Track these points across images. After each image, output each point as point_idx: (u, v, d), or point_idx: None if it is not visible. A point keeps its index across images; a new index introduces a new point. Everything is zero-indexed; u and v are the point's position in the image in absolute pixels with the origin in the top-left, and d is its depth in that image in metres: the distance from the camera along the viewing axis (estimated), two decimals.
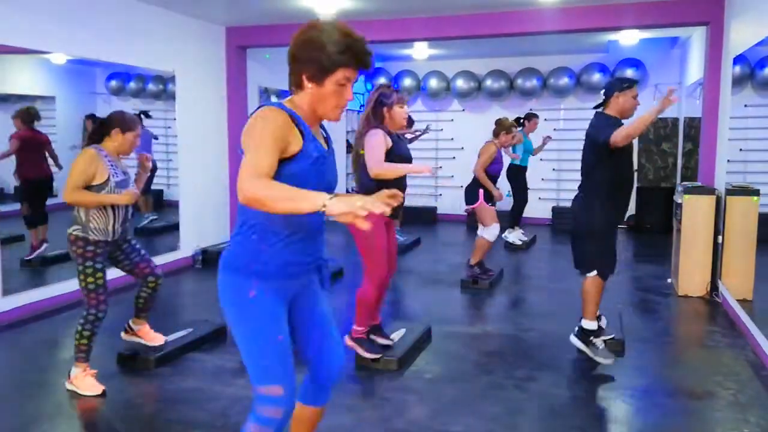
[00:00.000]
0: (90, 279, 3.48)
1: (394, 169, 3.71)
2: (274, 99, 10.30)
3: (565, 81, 9.40)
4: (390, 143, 3.77)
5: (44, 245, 6.41)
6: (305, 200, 1.57)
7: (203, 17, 7.00)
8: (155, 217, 8.15)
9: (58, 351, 4.39)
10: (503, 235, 7.57)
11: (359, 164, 3.82)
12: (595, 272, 3.87)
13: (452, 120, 10.41)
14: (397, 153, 3.80)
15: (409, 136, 7.42)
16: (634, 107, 3.86)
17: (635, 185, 9.12)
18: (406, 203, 10.01)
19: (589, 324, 3.89)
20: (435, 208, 10.38)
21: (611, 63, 9.30)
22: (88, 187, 3.44)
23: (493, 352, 4.25)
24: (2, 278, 4.97)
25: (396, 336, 4.25)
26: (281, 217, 1.85)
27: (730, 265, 5.24)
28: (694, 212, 5.49)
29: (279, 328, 1.95)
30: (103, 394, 3.53)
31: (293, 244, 1.94)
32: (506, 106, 10.06)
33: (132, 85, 8.42)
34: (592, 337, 3.88)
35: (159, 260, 6.55)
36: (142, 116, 8.04)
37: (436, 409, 3.39)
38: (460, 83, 9.95)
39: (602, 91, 3.92)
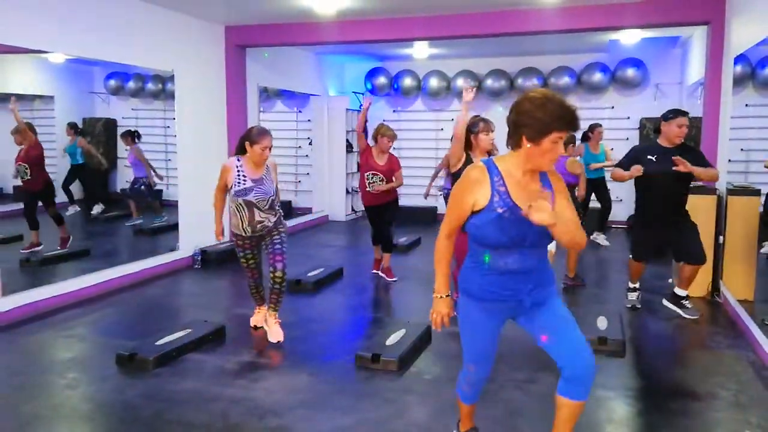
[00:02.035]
0: (242, 261, 4.53)
1: None
2: (280, 102, 10.30)
3: (565, 80, 9.38)
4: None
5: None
6: (435, 287, 2.52)
7: (202, 16, 6.98)
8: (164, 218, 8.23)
9: (57, 351, 4.38)
10: (592, 237, 8.12)
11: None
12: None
13: (453, 120, 10.38)
14: None
15: None
16: (678, 135, 4.55)
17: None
18: (407, 203, 10.02)
19: (683, 292, 4.90)
20: (435, 208, 10.36)
21: (612, 62, 9.28)
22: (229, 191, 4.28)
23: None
24: (1, 278, 4.96)
25: (396, 337, 4.24)
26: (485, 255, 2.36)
27: (731, 265, 5.22)
28: (695, 212, 5.44)
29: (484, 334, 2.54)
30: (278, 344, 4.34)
31: (492, 277, 2.38)
32: (507, 106, 9.96)
33: (131, 84, 8.42)
34: (682, 301, 4.90)
35: (158, 260, 6.56)
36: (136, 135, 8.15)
37: (436, 410, 3.37)
38: (461, 83, 9.93)
39: None
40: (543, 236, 2.27)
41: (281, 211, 4.52)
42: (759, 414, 3.31)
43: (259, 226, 4.29)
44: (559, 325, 2.44)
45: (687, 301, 4.90)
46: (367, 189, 5.99)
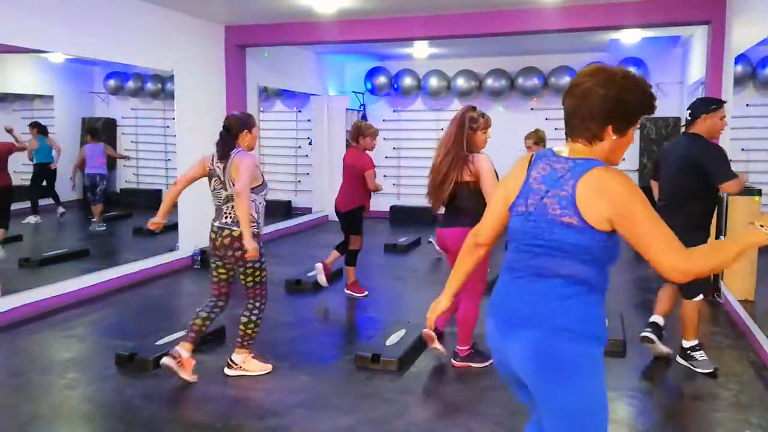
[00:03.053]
0: (264, 272, 3.75)
1: None
2: (280, 102, 10.28)
3: (566, 80, 9.36)
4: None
5: None
6: (742, 247, 1.63)
7: (202, 16, 6.97)
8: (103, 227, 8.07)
9: (56, 352, 4.38)
10: None
11: (464, 190, 3.74)
12: (701, 296, 3.85)
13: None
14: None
15: None
16: (721, 128, 3.86)
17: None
18: (407, 203, 10.01)
19: (691, 343, 3.93)
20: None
21: (612, 62, 9.25)
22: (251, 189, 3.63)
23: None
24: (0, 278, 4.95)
25: (396, 337, 4.24)
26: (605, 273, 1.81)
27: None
28: None
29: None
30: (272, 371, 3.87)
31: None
32: (507, 106, 10.04)
33: (130, 84, 8.42)
34: (690, 352, 3.93)
35: (158, 260, 6.56)
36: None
37: (436, 410, 3.37)
38: (461, 82, 9.93)
39: (688, 111, 3.87)
40: None
41: None
42: (759, 414, 3.31)
43: None
44: None
45: (698, 353, 3.92)
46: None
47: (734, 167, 5.56)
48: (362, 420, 3.25)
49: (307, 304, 5.51)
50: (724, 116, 3.84)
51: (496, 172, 3.79)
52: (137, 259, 6.39)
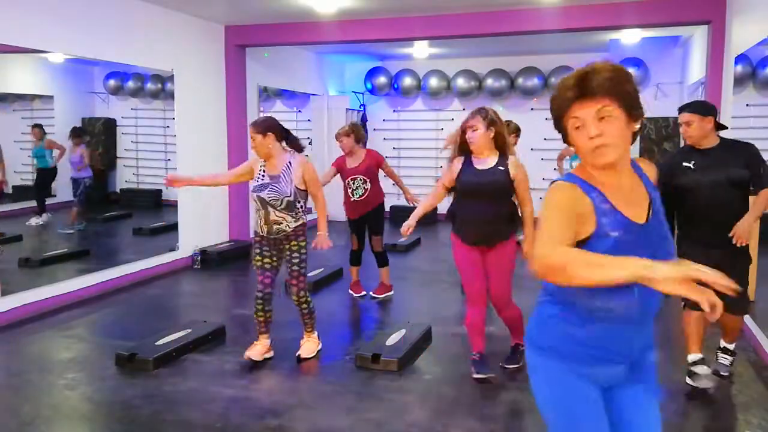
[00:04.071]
0: (256, 259, 4.04)
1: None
2: (279, 102, 10.28)
3: None
4: (455, 173, 3.87)
5: None
6: (630, 275, 1.34)
7: (202, 16, 6.97)
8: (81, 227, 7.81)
9: (56, 352, 4.38)
10: None
11: None
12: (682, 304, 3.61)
13: (453, 119, 10.37)
14: (464, 180, 3.85)
15: None
16: (684, 134, 3.58)
17: None
18: (406, 203, 10.03)
19: (694, 356, 3.63)
20: (435, 208, 10.33)
21: (613, 62, 9.26)
22: None
23: (494, 353, 4.22)
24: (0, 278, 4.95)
25: (396, 337, 4.24)
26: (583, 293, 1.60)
27: None
28: None
29: (594, 413, 1.67)
30: (263, 360, 4.04)
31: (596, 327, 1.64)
32: (507, 106, 10.03)
33: (130, 84, 8.40)
34: (691, 368, 3.60)
35: (158, 261, 6.56)
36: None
37: (436, 410, 3.37)
38: (461, 82, 9.93)
39: None
40: (671, 257, 1.59)
41: (305, 216, 4.22)
42: (759, 414, 3.31)
43: (275, 227, 3.97)
44: None
45: (698, 366, 3.58)
46: (352, 199, 5.54)
47: None
48: (362, 420, 3.25)
49: None
50: (681, 123, 3.57)
51: (461, 174, 3.90)
52: (137, 259, 6.40)
